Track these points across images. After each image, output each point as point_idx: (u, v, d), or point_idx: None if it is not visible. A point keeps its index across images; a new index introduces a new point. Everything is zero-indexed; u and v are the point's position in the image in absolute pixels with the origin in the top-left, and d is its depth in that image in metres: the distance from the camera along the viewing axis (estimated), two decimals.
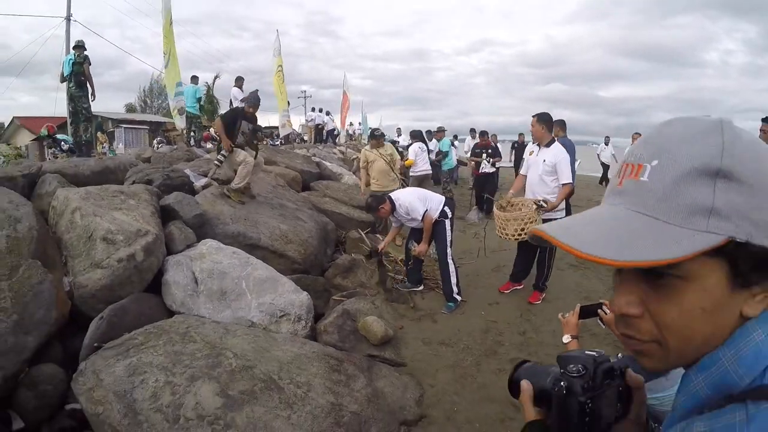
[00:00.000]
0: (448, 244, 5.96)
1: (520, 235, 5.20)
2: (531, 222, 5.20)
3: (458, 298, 5.92)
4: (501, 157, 11.66)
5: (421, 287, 6.32)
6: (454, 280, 5.88)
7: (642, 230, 0.64)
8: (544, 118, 5.68)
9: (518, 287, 6.38)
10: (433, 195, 6.13)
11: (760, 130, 5.56)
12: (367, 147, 9.37)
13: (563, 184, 5.52)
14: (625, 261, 0.62)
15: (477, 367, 4.55)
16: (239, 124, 7.30)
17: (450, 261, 5.90)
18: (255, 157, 7.26)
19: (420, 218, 5.85)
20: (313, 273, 6.08)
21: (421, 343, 4.98)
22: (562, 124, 7.68)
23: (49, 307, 3.73)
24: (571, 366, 0.85)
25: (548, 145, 5.63)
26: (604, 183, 18.58)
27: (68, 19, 18.30)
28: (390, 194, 6.20)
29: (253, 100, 7.72)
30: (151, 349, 3.44)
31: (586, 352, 0.88)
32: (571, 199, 6.17)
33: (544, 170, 5.57)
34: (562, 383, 0.84)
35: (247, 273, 4.82)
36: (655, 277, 0.67)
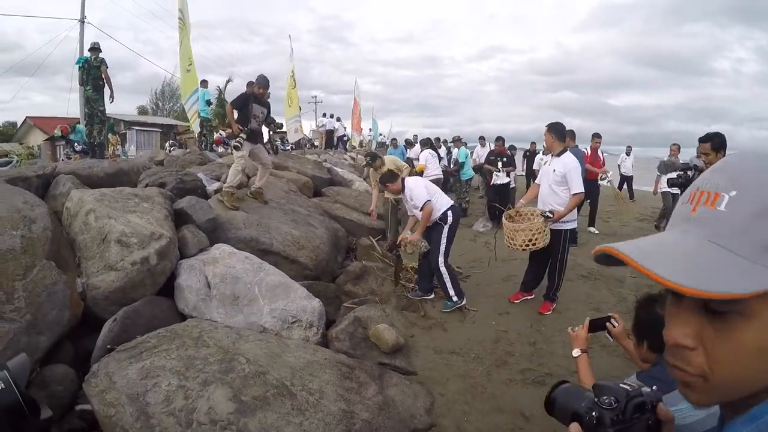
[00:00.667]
0: (442, 251, 5.91)
1: (527, 245, 5.30)
2: (539, 233, 5.29)
3: (455, 299, 5.92)
4: (515, 167, 11.53)
5: (432, 296, 6.29)
6: (449, 284, 5.90)
7: (715, 261, 0.63)
8: (555, 128, 5.68)
9: (529, 297, 6.34)
10: (443, 195, 6.14)
11: None
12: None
13: (573, 194, 5.52)
14: (703, 290, 0.60)
15: (488, 377, 4.53)
16: (251, 108, 7.17)
17: (442, 268, 5.90)
18: (270, 152, 7.13)
19: (420, 206, 5.82)
20: (324, 279, 6.10)
21: (432, 352, 4.98)
22: (571, 134, 7.92)
23: (62, 308, 3.75)
24: (605, 398, 0.88)
25: (559, 155, 5.64)
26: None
27: (82, 21, 18.47)
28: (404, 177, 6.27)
29: (261, 80, 7.48)
30: (164, 352, 3.45)
31: (621, 384, 0.89)
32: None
33: (554, 180, 5.61)
34: (593, 413, 0.87)
35: (260, 278, 4.83)
36: (714, 312, 0.66)
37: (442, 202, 5.99)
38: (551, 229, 5.55)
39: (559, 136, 5.70)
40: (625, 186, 16.22)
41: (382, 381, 4.03)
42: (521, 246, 5.35)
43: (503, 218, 5.70)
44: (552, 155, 5.78)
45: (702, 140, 4.93)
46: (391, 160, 9.06)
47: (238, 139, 7.03)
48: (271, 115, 7.96)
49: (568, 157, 5.65)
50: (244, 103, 7.29)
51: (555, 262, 5.88)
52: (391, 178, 6.14)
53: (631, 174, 16.29)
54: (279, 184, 8.65)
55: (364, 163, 10.16)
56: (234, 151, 7.07)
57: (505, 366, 4.74)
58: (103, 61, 10.04)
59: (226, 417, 3.00)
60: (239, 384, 3.27)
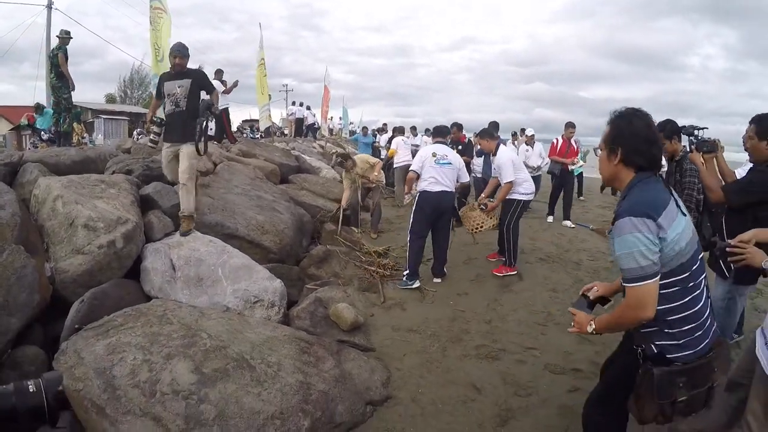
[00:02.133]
0: (409, 225, 6.62)
1: (477, 229, 6.85)
2: (482, 218, 6.82)
3: (404, 278, 6.44)
4: (473, 156, 10.83)
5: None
6: (409, 257, 6.51)
7: None
8: (484, 133, 7.13)
9: (503, 259, 7.11)
10: (426, 177, 6.57)
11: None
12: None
13: (504, 183, 6.61)
14: None
15: (443, 353, 4.76)
16: (161, 88, 5.81)
17: (408, 240, 6.57)
18: (200, 150, 5.57)
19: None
20: (288, 263, 6.26)
21: (390, 330, 5.19)
22: (495, 126, 8.94)
23: (31, 291, 3.88)
24: None
25: (495, 153, 6.81)
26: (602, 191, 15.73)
27: (49, 7, 18.26)
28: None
29: (176, 48, 5.78)
30: (129, 330, 3.62)
31: None
32: None
33: (496, 173, 6.86)
34: None
35: (223, 260, 4.99)
36: None
37: (423, 181, 6.55)
38: (506, 199, 6.73)
39: (490, 136, 6.99)
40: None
41: (340, 356, 4.23)
42: (473, 229, 6.90)
43: (462, 210, 7.05)
44: (492, 155, 6.87)
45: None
46: (362, 159, 9.33)
47: (151, 136, 6.19)
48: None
49: (500, 153, 6.76)
50: (157, 86, 6.04)
51: (502, 225, 6.87)
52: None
53: None
54: (246, 171, 8.77)
55: (334, 162, 10.34)
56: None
57: (460, 342, 4.97)
58: (60, 48, 9.83)
59: (187, 387, 3.19)
60: (201, 357, 3.45)
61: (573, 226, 10.19)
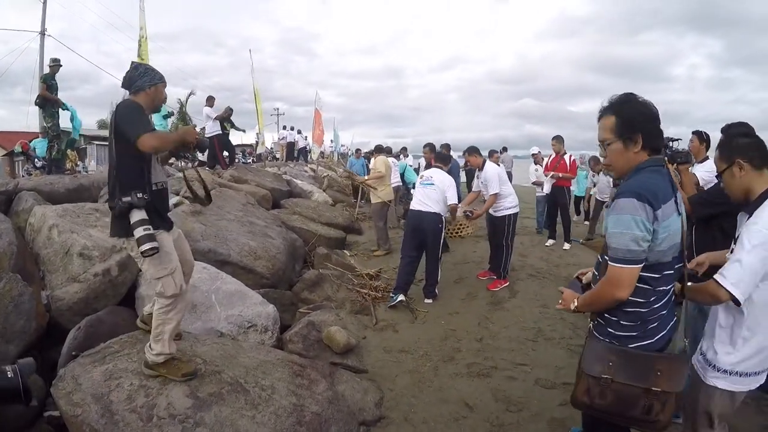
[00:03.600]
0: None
1: (454, 233, 7.83)
2: (462, 226, 8.04)
3: (392, 293, 6.59)
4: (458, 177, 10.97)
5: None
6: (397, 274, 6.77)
7: None
8: (472, 151, 7.54)
9: (494, 276, 7.43)
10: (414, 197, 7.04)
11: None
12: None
13: (490, 194, 7.14)
14: None
15: (435, 372, 4.83)
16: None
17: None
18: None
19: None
20: (281, 287, 6.33)
21: (383, 351, 5.26)
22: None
23: (28, 318, 3.96)
24: None
25: (481, 168, 7.36)
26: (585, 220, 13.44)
27: (43, 33, 18.38)
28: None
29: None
30: (126, 356, 3.68)
31: None
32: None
33: (481, 186, 7.37)
34: None
35: (217, 287, 5.05)
36: None
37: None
38: (494, 216, 7.28)
39: (478, 153, 7.53)
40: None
41: (333, 378, 4.30)
42: (450, 234, 7.74)
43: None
44: (479, 170, 7.37)
45: None
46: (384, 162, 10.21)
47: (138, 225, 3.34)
48: (211, 120, 7.80)
49: (488, 168, 7.29)
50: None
51: (499, 244, 7.21)
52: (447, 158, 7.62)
53: (605, 199, 11.56)
54: (237, 197, 8.85)
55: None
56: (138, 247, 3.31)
57: (451, 361, 5.05)
58: (44, 77, 9.89)
59: (183, 412, 3.25)
60: (196, 382, 3.51)
61: (568, 247, 9.71)
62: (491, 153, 12.26)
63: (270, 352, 4.42)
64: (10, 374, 1.26)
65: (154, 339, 3.47)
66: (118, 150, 3.37)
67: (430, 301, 6.67)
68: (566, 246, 9.70)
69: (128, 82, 3.53)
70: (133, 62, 3.85)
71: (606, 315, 2.35)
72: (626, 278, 2.17)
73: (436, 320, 6.08)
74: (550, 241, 10.04)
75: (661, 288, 2.27)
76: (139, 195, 3.34)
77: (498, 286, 7.13)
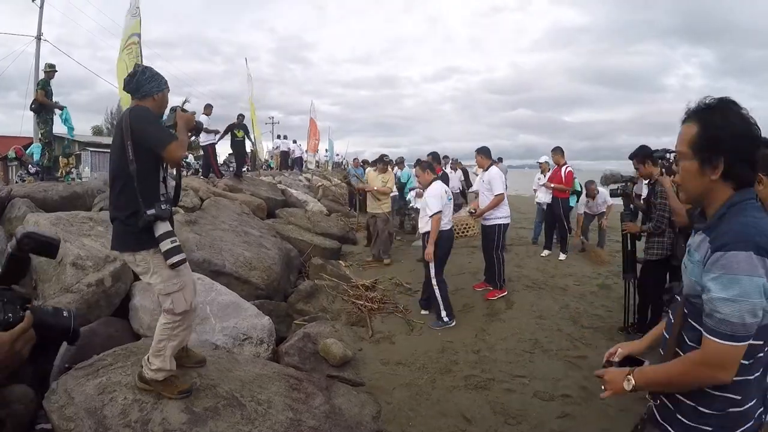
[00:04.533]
0: (433, 270, 6.31)
1: (461, 233, 7.39)
2: (467, 225, 7.65)
3: (445, 318, 6.26)
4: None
5: (453, 323, 6.40)
6: (443, 302, 6.32)
7: None
8: (483, 151, 7.52)
9: (489, 287, 7.39)
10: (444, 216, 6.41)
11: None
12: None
13: (495, 195, 7.11)
14: None
15: (432, 385, 4.78)
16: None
17: (437, 283, 6.31)
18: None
19: (429, 213, 6.29)
20: (276, 298, 6.28)
21: (380, 364, 5.21)
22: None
23: None
24: None
25: (487, 169, 7.38)
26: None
27: (38, 38, 18.30)
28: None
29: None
30: (120, 369, 3.62)
31: None
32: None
33: (485, 187, 7.29)
34: None
35: (212, 298, 5.00)
36: None
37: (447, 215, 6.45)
38: (485, 225, 7.30)
39: (487, 155, 7.52)
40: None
41: (330, 392, 4.24)
42: (457, 234, 7.26)
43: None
44: (483, 170, 7.39)
45: (630, 157, 5.39)
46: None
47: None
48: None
49: (493, 170, 7.31)
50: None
51: (490, 251, 7.20)
52: (432, 166, 6.97)
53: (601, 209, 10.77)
54: (232, 207, 8.81)
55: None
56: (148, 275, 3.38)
57: (449, 374, 5.01)
58: (40, 83, 9.81)
59: (179, 427, 3.19)
60: (191, 396, 3.46)
61: (564, 258, 9.61)
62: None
63: (266, 365, 4.37)
64: (65, 314, 1.39)
65: (155, 354, 3.34)
66: (139, 159, 3.21)
67: (426, 312, 6.60)
68: (562, 257, 9.65)
69: (135, 86, 3.39)
70: (138, 65, 3.73)
71: (680, 396, 1.77)
72: (733, 358, 1.57)
73: (433, 332, 6.03)
74: (546, 252, 10.02)
75: (760, 366, 1.68)
76: (164, 206, 3.27)
77: (496, 295, 7.11)
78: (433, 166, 7.06)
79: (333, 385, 4.43)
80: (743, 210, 1.63)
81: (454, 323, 6.24)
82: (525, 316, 6.53)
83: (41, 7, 18.41)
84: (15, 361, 1.27)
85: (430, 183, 6.52)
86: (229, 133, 13.13)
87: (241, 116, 13.46)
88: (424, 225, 6.43)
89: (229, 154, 36.59)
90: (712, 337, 1.58)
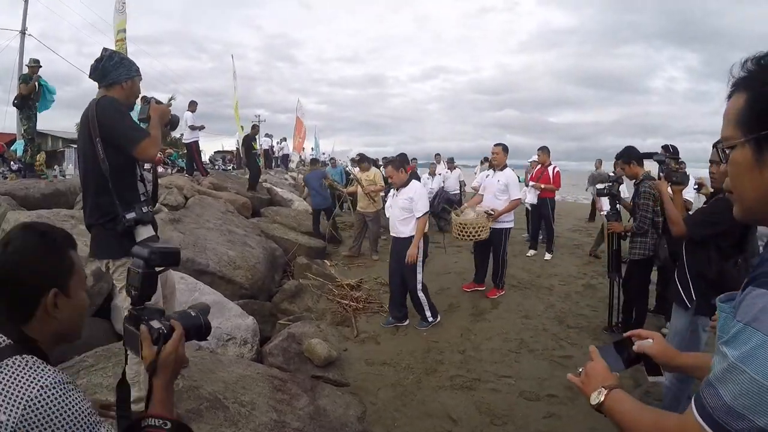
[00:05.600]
0: (419, 278, 6.09)
1: (477, 234, 6.60)
2: (483, 228, 6.57)
3: (430, 318, 6.15)
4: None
5: (407, 322, 6.27)
6: (429, 303, 6.19)
7: None
8: (506, 148, 7.13)
9: (480, 288, 7.41)
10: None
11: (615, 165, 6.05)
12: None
13: (513, 200, 6.88)
14: None
15: (417, 385, 4.77)
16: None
17: (421, 290, 6.10)
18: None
19: (418, 215, 5.93)
20: (260, 298, 6.25)
21: (365, 364, 5.19)
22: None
23: None
24: None
25: (502, 169, 7.01)
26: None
27: (23, 32, 18.16)
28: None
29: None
30: (101, 370, 3.57)
31: None
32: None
33: (498, 189, 6.93)
34: None
35: (195, 298, 4.95)
36: None
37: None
38: (493, 229, 6.77)
39: (507, 154, 7.15)
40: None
41: (314, 392, 4.21)
42: (470, 237, 6.66)
43: (453, 215, 7.06)
44: (495, 169, 7.05)
45: (616, 158, 5.45)
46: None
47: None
48: (187, 127, 7.38)
49: (510, 171, 7.06)
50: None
51: (497, 255, 7.02)
52: (402, 164, 6.51)
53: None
54: (217, 205, 8.75)
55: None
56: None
57: (434, 374, 4.99)
58: (22, 77, 9.60)
59: None
60: (173, 398, 3.41)
61: (550, 258, 9.69)
62: (485, 160, 11.82)
63: (249, 365, 4.32)
64: (193, 314, 1.46)
65: (131, 382, 2.59)
66: (110, 157, 2.93)
67: (404, 324, 6.32)
68: (548, 256, 9.71)
69: (101, 73, 3.08)
70: (106, 49, 3.27)
71: None
72: None
73: (418, 332, 6.01)
74: (532, 252, 10.05)
75: None
76: (144, 209, 3.06)
77: (496, 294, 7.17)
78: (405, 164, 6.82)
79: (317, 385, 4.40)
80: None
81: (439, 318, 6.23)
82: (511, 315, 6.53)
83: (26, 1, 18.28)
84: (185, 362, 1.50)
85: (407, 182, 6.12)
86: (248, 144, 12.97)
87: (255, 127, 13.44)
88: (402, 228, 6.05)
89: (215, 152, 36.60)
90: (697, 416, 1.01)
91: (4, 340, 1.26)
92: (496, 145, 7.14)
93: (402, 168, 6.26)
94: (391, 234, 6.40)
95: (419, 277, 6.05)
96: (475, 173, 12.45)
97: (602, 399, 1.34)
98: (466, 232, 6.58)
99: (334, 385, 4.63)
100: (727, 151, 1.12)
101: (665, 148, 5.91)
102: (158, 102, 3.35)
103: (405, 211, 6.00)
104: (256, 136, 13.44)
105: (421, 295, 6.06)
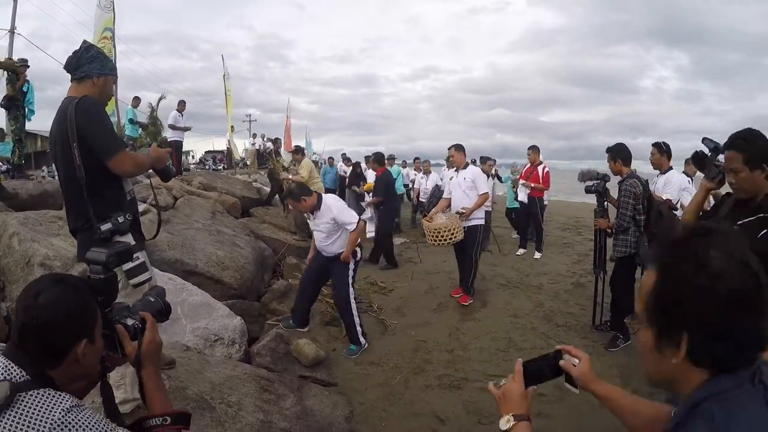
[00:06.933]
0: (351, 290, 5.60)
1: (453, 237, 6.49)
2: (457, 229, 6.49)
3: (362, 340, 5.55)
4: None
5: (306, 328, 5.84)
6: (357, 321, 5.55)
7: None
8: (462, 148, 7.21)
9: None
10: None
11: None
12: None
13: (480, 194, 6.78)
14: None
15: (405, 385, 4.80)
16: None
17: (354, 307, 5.55)
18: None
19: (351, 228, 5.36)
20: (249, 298, 6.23)
21: (353, 364, 5.21)
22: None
23: None
24: None
25: (465, 167, 7.05)
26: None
27: (12, 31, 18.05)
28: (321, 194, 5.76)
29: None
30: None
31: None
32: None
33: (467, 186, 6.85)
34: None
35: (182, 299, 4.94)
36: None
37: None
38: (467, 227, 6.68)
39: (463, 152, 7.20)
40: None
41: (302, 392, 4.22)
42: (446, 241, 6.53)
43: (423, 221, 7.01)
44: (458, 169, 7.04)
45: (606, 150, 5.50)
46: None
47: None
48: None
49: (473, 167, 7.19)
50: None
51: (470, 253, 6.82)
52: (303, 192, 5.61)
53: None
54: (206, 205, 8.73)
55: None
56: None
57: (422, 373, 5.02)
58: (9, 78, 9.28)
59: None
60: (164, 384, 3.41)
61: (539, 256, 9.69)
62: (484, 160, 11.54)
63: (237, 366, 4.32)
64: (152, 299, 1.77)
65: (115, 386, 2.71)
66: (86, 161, 2.74)
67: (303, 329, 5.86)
68: (537, 255, 9.72)
69: (74, 64, 2.92)
70: (86, 41, 3.12)
71: None
72: None
73: (406, 331, 6.03)
74: (521, 251, 10.06)
75: None
76: (121, 219, 2.82)
77: (467, 301, 6.90)
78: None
79: (305, 385, 4.41)
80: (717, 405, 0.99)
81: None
82: (499, 315, 6.54)
83: (15, 0, 18.18)
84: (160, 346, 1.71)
85: (318, 206, 5.48)
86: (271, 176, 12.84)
87: (277, 141, 13.45)
88: (331, 249, 5.57)
89: (206, 152, 36.51)
90: None
91: (23, 376, 1.32)
92: (449, 147, 7.31)
93: (304, 198, 5.50)
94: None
95: (351, 289, 5.58)
96: (441, 178, 12.33)
97: (509, 428, 1.43)
98: (442, 237, 6.49)
99: (322, 384, 4.65)
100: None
101: (656, 146, 5.94)
102: (164, 144, 3.33)
103: (332, 234, 5.51)
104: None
105: (353, 307, 5.51)
